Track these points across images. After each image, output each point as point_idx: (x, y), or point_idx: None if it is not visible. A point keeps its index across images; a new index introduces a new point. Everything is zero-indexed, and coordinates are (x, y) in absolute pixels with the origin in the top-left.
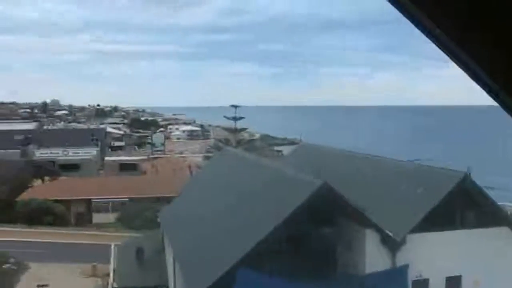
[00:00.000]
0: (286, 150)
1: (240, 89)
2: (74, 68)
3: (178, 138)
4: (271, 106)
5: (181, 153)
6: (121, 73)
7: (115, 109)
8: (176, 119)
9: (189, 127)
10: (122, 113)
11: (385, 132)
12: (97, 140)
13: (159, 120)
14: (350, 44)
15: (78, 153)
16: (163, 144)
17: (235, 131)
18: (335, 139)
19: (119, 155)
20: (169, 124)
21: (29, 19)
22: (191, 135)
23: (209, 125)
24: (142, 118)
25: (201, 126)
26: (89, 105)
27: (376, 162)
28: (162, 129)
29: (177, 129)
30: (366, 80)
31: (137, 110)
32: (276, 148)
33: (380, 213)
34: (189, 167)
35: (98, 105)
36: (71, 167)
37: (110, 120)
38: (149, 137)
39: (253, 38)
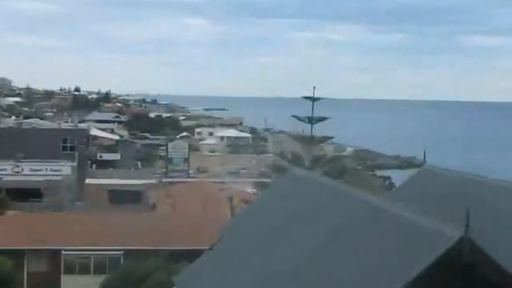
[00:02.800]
0: (399, 176)
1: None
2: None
3: (212, 151)
4: (375, 99)
5: (217, 175)
6: (116, 36)
7: (106, 96)
8: (210, 117)
9: (232, 132)
10: (118, 104)
11: None
12: (73, 148)
13: (180, 117)
14: None
15: (40, 170)
16: (186, 160)
17: (311, 141)
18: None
19: (109, 176)
20: (198, 125)
21: None
22: (236, 146)
23: (267, 130)
24: (152, 114)
25: (253, 130)
26: (61, 89)
27: None
28: (185, 133)
29: (211, 134)
30: None
31: (142, 101)
32: (379, 173)
33: None
34: (230, 200)
35: (77, 90)
36: (27, 194)
37: (96, 115)
38: (163, 147)
39: None
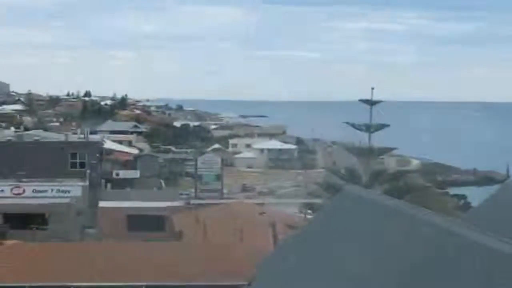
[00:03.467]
0: (476, 194)
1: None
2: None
3: (250, 166)
4: (443, 101)
5: (256, 196)
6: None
7: (122, 102)
8: (247, 125)
9: (274, 143)
10: (136, 111)
11: None
12: (83, 165)
13: (212, 126)
14: None
15: (45, 191)
16: (219, 177)
17: (369, 153)
18: None
19: (127, 198)
20: (233, 135)
21: None
22: (279, 160)
23: (316, 140)
24: (178, 123)
25: (299, 141)
26: (68, 94)
27: None
28: (217, 145)
29: (249, 146)
30: None
31: (166, 107)
32: (453, 191)
33: None
34: (272, 226)
35: (88, 95)
36: (29, 220)
37: (111, 124)
38: (191, 162)
39: None
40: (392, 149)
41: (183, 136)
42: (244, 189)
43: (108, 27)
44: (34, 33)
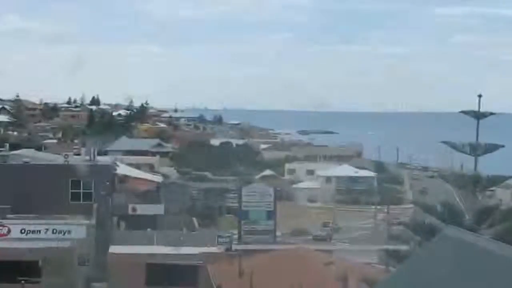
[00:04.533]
0: None
1: None
2: None
3: (314, 200)
4: None
5: (322, 240)
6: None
7: (142, 112)
8: (309, 144)
9: (345, 169)
10: (160, 124)
11: None
12: (89, 197)
13: (261, 145)
14: None
15: (37, 232)
16: (270, 215)
17: (474, 183)
18: None
19: (148, 241)
20: (290, 158)
21: None
22: (352, 192)
23: (402, 165)
24: (216, 141)
25: (379, 166)
26: (69, 101)
27: None
28: (269, 171)
29: (311, 173)
30: None
31: (199, 119)
32: None
33: None
34: (343, 280)
35: (95, 103)
36: (18, 270)
37: (126, 142)
38: (234, 194)
39: None
40: (507, 178)
41: (223, 158)
42: (305, 231)
43: (122, 12)
44: (25, 20)
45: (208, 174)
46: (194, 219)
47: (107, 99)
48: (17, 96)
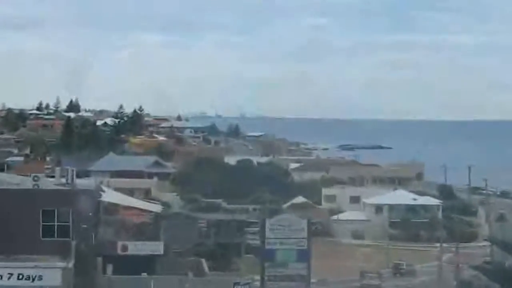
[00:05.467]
0: None
1: None
2: None
3: (359, 236)
4: None
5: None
6: None
7: (135, 120)
8: (354, 162)
9: (402, 196)
10: (158, 136)
11: None
12: (66, 232)
13: (291, 164)
14: None
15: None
16: (303, 256)
17: None
18: None
19: None
20: (328, 180)
21: None
22: (410, 225)
23: (474, 190)
24: (231, 158)
25: (445, 191)
26: (40, 107)
27: None
28: (301, 198)
29: (356, 201)
30: None
31: (210, 129)
32: None
33: None
34: None
35: (74, 109)
36: None
37: (115, 160)
38: (255, 228)
39: None
40: None
41: (241, 181)
42: (349, 275)
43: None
44: None
45: (221, 202)
46: (203, 261)
47: (88, 104)
48: None
